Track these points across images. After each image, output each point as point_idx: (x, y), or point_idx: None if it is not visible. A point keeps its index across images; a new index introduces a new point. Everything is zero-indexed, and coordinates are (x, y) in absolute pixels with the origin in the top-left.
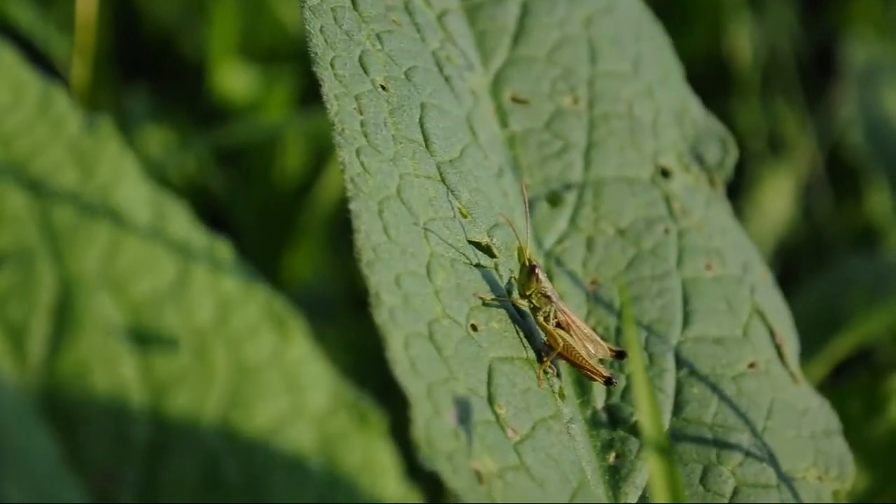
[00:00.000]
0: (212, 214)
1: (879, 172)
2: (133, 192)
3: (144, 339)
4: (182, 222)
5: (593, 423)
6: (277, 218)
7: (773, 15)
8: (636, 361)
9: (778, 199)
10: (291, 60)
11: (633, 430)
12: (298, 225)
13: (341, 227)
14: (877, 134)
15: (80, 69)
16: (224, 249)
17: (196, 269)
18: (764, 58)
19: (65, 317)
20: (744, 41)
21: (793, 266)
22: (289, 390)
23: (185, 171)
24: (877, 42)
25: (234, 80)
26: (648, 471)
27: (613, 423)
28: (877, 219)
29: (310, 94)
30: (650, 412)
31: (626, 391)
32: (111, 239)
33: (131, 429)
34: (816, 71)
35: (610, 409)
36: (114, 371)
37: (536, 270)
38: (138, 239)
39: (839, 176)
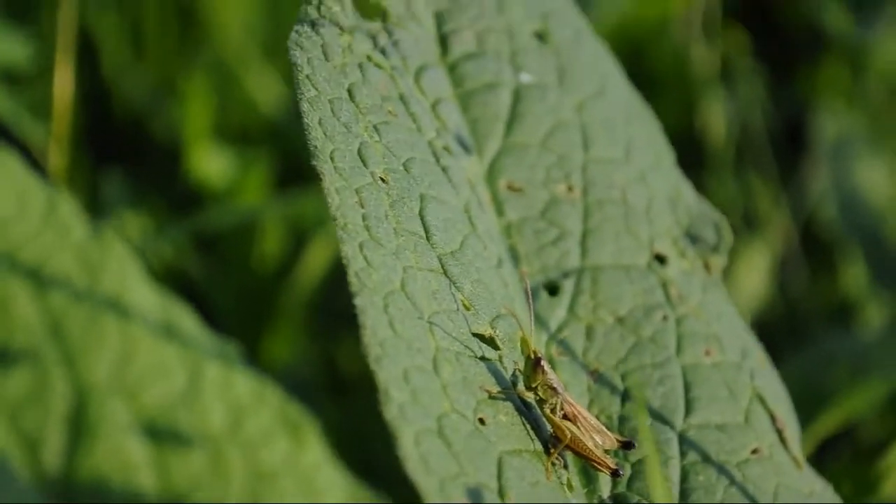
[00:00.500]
0: (190, 299)
1: (854, 246)
2: (140, 296)
3: (160, 445)
4: (190, 325)
5: None
6: (257, 302)
7: (743, 89)
8: (650, 451)
9: (753, 274)
10: (267, 141)
11: None
12: (278, 308)
13: (320, 310)
14: (850, 207)
15: (56, 156)
16: (233, 352)
17: (207, 372)
18: (736, 132)
19: (80, 425)
20: (716, 116)
21: (769, 341)
22: (305, 495)
23: (162, 256)
24: (846, 113)
25: (209, 162)
26: None
27: None
28: (852, 293)
29: (287, 176)
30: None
31: (632, 480)
32: (122, 344)
33: None
34: (788, 144)
35: (616, 499)
36: (131, 478)
37: (542, 363)
38: (149, 344)
39: (814, 251)
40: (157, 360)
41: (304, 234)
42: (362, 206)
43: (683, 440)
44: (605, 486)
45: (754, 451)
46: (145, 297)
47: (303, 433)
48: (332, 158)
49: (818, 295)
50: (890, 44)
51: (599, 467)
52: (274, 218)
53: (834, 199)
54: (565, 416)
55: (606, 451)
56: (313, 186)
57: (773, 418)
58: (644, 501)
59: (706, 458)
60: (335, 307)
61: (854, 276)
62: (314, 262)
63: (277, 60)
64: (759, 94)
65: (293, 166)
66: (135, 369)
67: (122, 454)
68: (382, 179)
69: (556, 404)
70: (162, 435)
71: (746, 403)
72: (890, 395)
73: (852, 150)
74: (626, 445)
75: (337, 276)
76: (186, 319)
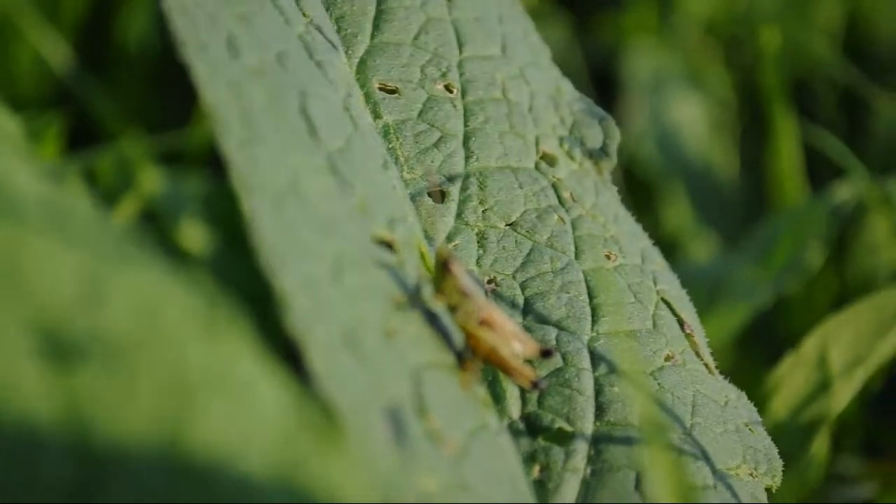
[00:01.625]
0: None
1: (675, 183)
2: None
3: (51, 361)
4: (85, 213)
5: (511, 433)
6: None
7: (550, 35)
8: (653, 445)
9: None
10: (56, 106)
11: (556, 439)
12: None
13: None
14: (668, 145)
15: None
16: (137, 239)
17: (107, 268)
18: None
19: None
20: None
21: None
22: (236, 415)
23: None
24: (658, 53)
25: None
26: (574, 481)
27: (532, 433)
28: (673, 230)
29: (77, 139)
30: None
31: (543, 398)
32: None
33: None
34: (599, 89)
35: (528, 418)
36: (18, 401)
37: (451, 264)
38: (35, 238)
39: (634, 189)
40: (46, 257)
41: (105, 197)
42: (239, 100)
43: (594, 351)
44: (514, 405)
45: (667, 358)
46: (27, 182)
47: (230, 335)
48: (201, 49)
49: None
50: None
51: (518, 379)
52: (73, 180)
53: (652, 137)
54: (481, 323)
55: (526, 362)
56: (109, 148)
57: (681, 323)
58: (560, 420)
59: (620, 369)
60: None
61: (675, 213)
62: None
63: (55, 18)
64: (567, 38)
65: (82, 132)
66: (20, 269)
67: (8, 373)
68: (257, 71)
69: (470, 310)
70: (54, 348)
71: (653, 308)
72: (742, 323)
73: (668, 89)
74: (546, 353)
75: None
76: (80, 207)
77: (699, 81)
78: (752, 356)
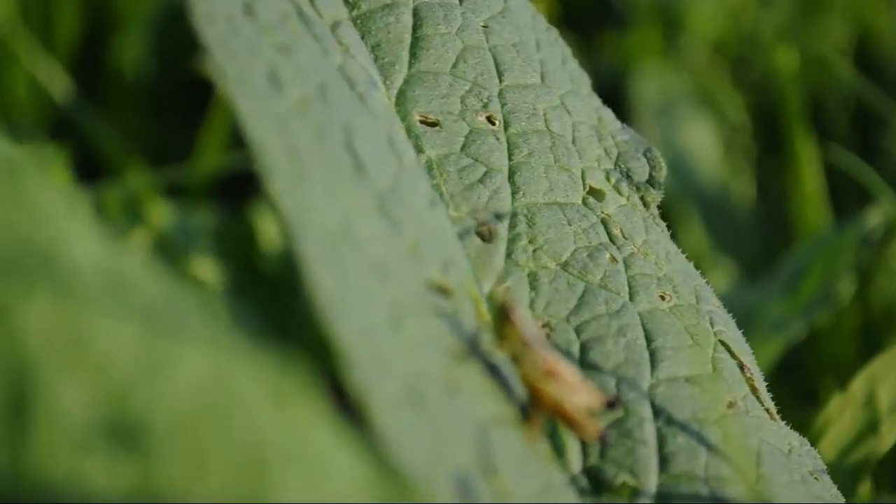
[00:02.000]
0: None
1: (689, 209)
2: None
3: (114, 440)
4: (145, 282)
5: (573, 487)
6: None
7: None
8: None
9: None
10: (60, 134)
11: (620, 493)
12: None
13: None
14: (681, 169)
15: None
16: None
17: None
18: None
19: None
20: None
21: None
22: (315, 489)
23: None
24: (666, 75)
25: None
26: None
27: (596, 488)
28: (688, 258)
29: (82, 171)
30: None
31: (605, 450)
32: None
33: None
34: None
35: (590, 472)
36: (83, 483)
37: (513, 312)
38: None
39: None
40: (105, 331)
41: (116, 235)
42: (285, 135)
43: (654, 397)
44: (575, 457)
45: (730, 405)
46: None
47: (301, 403)
48: (241, 81)
49: None
50: (704, 1)
51: (583, 432)
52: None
53: (665, 162)
54: (544, 374)
55: (590, 413)
56: (116, 181)
57: (741, 366)
58: (623, 474)
59: (683, 417)
60: None
61: (691, 239)
62: None
63: (53, 45)
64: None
65: (85, 161)
66: (79, 345)
67: (72, 453)
68: (301, 104)
69: (532, 361)
70: (118, 424)
71: (712, 351)
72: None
73: (677, 111)
74: (611, 404)
75: None
76: (137, 271)
77: (709, 103)
78: (779, 390)
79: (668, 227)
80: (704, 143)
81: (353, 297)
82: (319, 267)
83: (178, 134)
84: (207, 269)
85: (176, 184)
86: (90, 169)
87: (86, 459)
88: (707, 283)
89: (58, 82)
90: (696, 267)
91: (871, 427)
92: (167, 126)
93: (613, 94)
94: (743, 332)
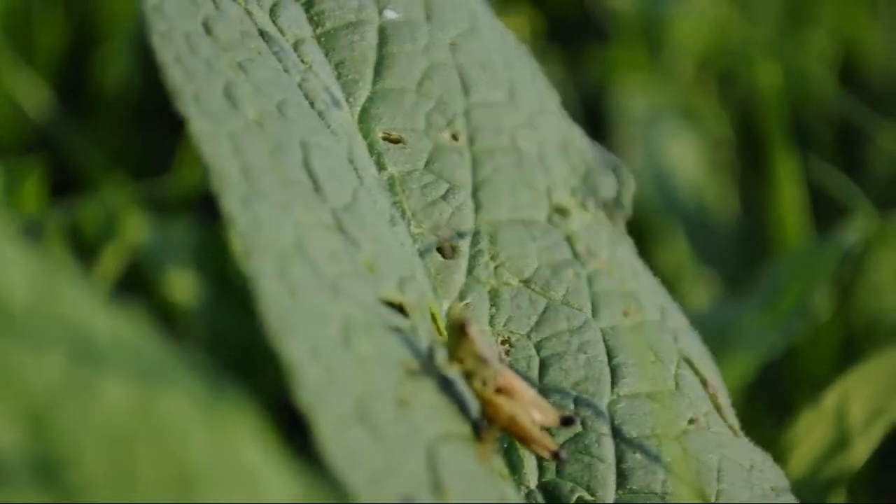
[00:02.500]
0: None
1: (673, 223)
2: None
3: (40, 438)
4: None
5: None
6: None
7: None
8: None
9: None
10: (35, 149)
11: None
12: None
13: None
14: (665, 183)
15: None
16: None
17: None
18: None
19: None
20: None
21: None
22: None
23: None
24: (650, 90)
25: None
26: None
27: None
28: (672, 272)
29: (61, 187)
30: None
31: (562, 466)
32: None
33: None
34: (589, 127)
35: (546, 488)
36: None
37: (468, 328)
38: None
39: (631, 231)
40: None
41: (89, 247)
42: (239, 153)
43: (614, 413)
44: (531, 473)
45: (691, 421)
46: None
47: (233, 423)
48: (197, 99)
49: None
50: (688, 16)
51: (538, 449)
52: (56, 231)
53: (647, 175)
54: (498, 390)
55: (545, 429)
56: (93, 195)
57: (704, 383)
58: (580, 490)
59: (642, 433)
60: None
61: (674, 253)
62: (103, 276)
63: (33, 60)
64: (559, 75)
65: (64, 176)
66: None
67: None
68: (257, 123)
69: (486, 376)
70: (44, 427)
71: (675, 368)
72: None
73: (661, 125)
74: (567, 421)
75: (128, 289)
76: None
77: (693, 117)
78: (756, 405)
79: (650, 240)
80: (688, 158)
81: (303, 314)
82: (270, 284)
83: (162, 147)
84: (184, 282)
85: (158, 197)
86: (73, 184)
87: (9, 470)
88: (674, 300)
89: (38, 96)
90: (679, 280)
91: (842, 443)
92: (151, 139)
93: (597, 108)
94: (719, 347)
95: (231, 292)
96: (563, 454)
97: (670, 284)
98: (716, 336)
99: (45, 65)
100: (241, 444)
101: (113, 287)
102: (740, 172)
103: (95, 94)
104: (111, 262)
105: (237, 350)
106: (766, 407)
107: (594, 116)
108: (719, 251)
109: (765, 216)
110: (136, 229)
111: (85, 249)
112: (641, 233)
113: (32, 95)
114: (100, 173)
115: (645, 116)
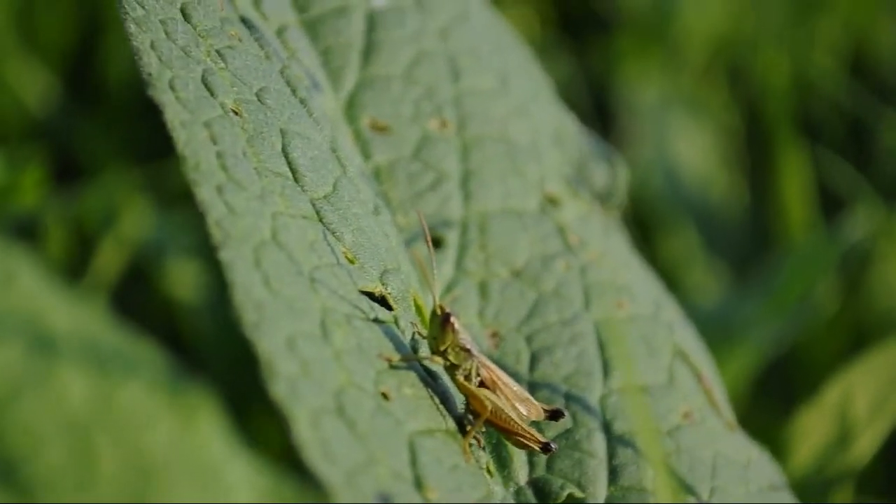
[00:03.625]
0: None
1: (682, 215)
2: None
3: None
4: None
5: (519, 500)
6: None
7: (554, 67)
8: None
9: None
10: (37, 138)
11: None
12: None
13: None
14: (674, 174)
15: None
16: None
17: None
18: None
19: None
20: None
21: None
22: (203, 491)
23: None
24: (659, 82)
25: None
26: None
27: (542, 500)
28: (680, 263)
29: (62, 176)
30: None
31: (552, 461)
32: None
33: None
34: (598, 117)
35: (536, 484)
36: None
37: (452, 319)
38: None
39: (640, 222)
40: None
41: (90, 236)
42: (215, 142)
43: (605, 407)
44: (521, 469)
45: (685, 416)
46: None
47: (192, 409)
48: (172, 87)
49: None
50: (697, 6)
51: (526, 442)
52: (56, 220)
53: (656, 165)
54: (482, 384)
55: (533, 424)
56: (95, 183)
57: (698, 376)
58: (570, 486)
59: (633, 428)
60: (131, 311)
61: (683, 245)
62: (104, 266)
63: (37, 50)
64: (570, 66)
65: (68, 165)
66: None
67: None
68: (235, 111)
69: (470, 369)
70: (2, 420)
71: (668, 361)
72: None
73: (671, 116)
74: (554, 415)
75: (131, 279)
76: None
77: (703, 109)
78: (765, 401)
79: (659, 231)
80: (697, 149)
81: (279, 306)
82: (245, 275)
83: (168, 137)
84: (187, 275)
85: (161, 187)
86: (77, 174)
87: None
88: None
89: (42, 85)
90: (687, 271)
91: (846, 438)
92: (157, 129)
93: (607, 99)
94: (723, 341)
95: None
96: (554, 446)
97: (679, 275)
98: (719, 329)
99: (50, 55)
100: (203, 437)
101: (114, 278)
102: (749, 164)
103: (101, 85)
104: (111, 253)
105: (241, 344)
106: (774, 402)
107: (604, 108)
108: (728, 242)
109: (772, 207)
110: (138, 220)
111: (87, 239)
112: (650, 223)
113: (36, 85)
114: (104, 163)
115: (654, 108)
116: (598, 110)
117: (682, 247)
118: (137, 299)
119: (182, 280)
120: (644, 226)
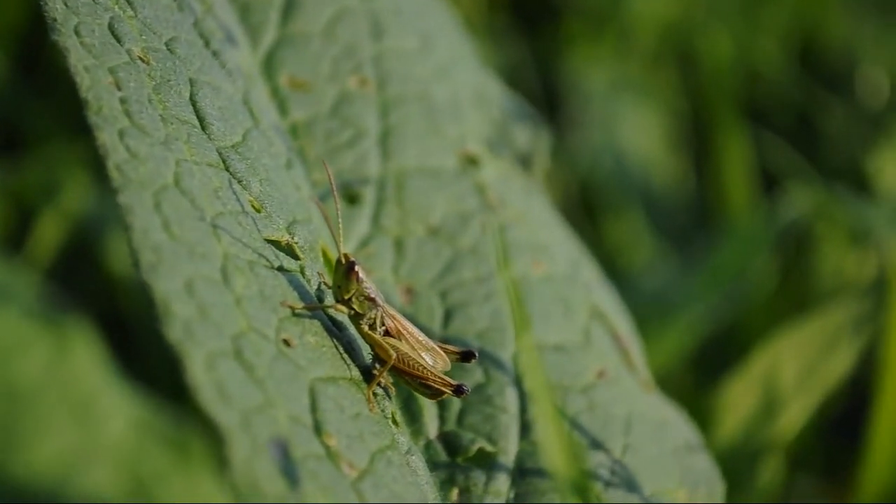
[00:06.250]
0: None
1: (629, 195)
2: None
3: None
4: None
5: (428, 454)
6: None
7: (507, 48)
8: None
9: None
10: None
11: (477, 460)
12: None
13: (55, 291)
14: (621, 155)
15: None
16: None
17: None
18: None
19: None
20: None
21: None
22: (75, 417)
23: None
24: (610, 61)
25: None
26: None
27: (451, 454)
28: (626, 243)
29: (7, 148)
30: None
31: (463, 416)
32: None
33: None
34: (548, 98)
35: (446, 437)
36: None
37: (356, 268)
38: None
39: (587, 201)
40: None
41: (30, 209)
42: (119, 88)
43: (519, 364)
44: (431, 423)
45: (600, 374)
46: None
47: (68, 337)
48: (77, 33)
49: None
50: None
51: (437, 387)
52: None
53: (605, 150)
54: (387, 333)
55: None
56: (37, 156)
57: (615, 336)
58: (481, 440)
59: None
60: (72, 286)
61: (630, 225)
62: (44, 239)
63: None
64: (519, 45)
65: (12, 139)
66: None
67: None
68: (142, 59)
69: (375, 318)
70: None
71: (585, 320)
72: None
73: (619, 98)
74: (466, 356)
75: (72, 255)
76: None
77: (652, 93)
78: (704, 380)
79: (606, 212)
80: (645, 132)
81: (178, 250)
82: (144, 218)
83: None
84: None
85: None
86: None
87: None
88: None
89: None
90: (634, 252)
91: (773, 407)
92: None
93: (557, 83)
94: (660, 316)
95: None
96: (466, 387)
97: (626, 256)
98: (659, 306)
99: (4, 32)
100: (78, 366)
101: (55, 252)
102: (696, 147)
103: (48, 60)
104: (52, 226)
105: None
106: (713, 381)
107: (553, 92)
108: (674, 223)
109: (715, 189)
110: (80, 194)
111: (27, 212)
112: (598, 206)
113: None
114: (47, 137)
115: (603, 92)
116: (547, 94)
117: (630, 228)
118: (78, 273)
119: (123, 254)
120: (592, 208)
